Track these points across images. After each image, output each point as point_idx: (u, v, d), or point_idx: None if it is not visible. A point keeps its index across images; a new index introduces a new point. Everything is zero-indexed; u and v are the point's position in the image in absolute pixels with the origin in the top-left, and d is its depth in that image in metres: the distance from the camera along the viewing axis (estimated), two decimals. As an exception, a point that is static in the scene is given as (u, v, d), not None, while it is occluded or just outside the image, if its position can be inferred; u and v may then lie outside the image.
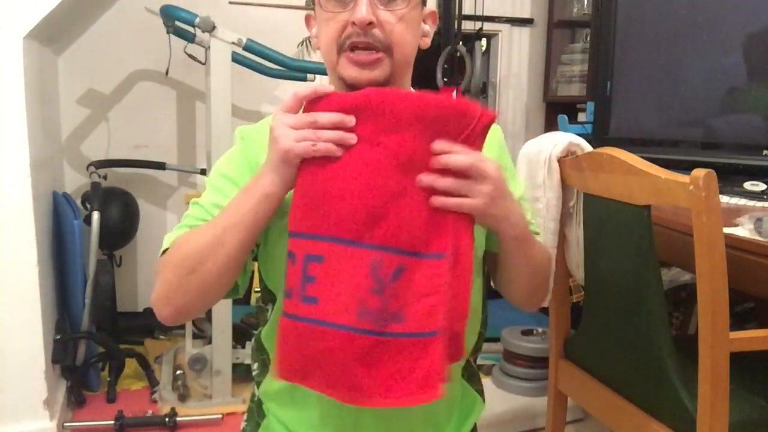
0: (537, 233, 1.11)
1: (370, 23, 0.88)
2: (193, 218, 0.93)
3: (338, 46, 0.90)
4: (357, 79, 0.90)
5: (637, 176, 1.16)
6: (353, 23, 0.88)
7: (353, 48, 0.89)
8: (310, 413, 0.98)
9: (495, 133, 1.07)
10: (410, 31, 0.93)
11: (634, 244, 1.22)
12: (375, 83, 0.90)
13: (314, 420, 0.98)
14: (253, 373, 1.12)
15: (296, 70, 2.60)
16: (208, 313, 2.31)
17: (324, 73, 2.75)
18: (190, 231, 0.90)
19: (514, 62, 3.57)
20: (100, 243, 2.32)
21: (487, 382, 2.39)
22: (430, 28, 1.00)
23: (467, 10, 3.30)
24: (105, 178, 2.61)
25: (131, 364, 2.48)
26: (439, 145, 0.79)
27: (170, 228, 0.96)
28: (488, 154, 1.03)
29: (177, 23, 2.31)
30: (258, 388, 1.09)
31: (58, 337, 2.16)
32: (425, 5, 0.97)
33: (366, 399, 0.77)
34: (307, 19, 1.00)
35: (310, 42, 3.01)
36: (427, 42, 0.99)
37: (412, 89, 1.03)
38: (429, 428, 1.01)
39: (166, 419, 2.13)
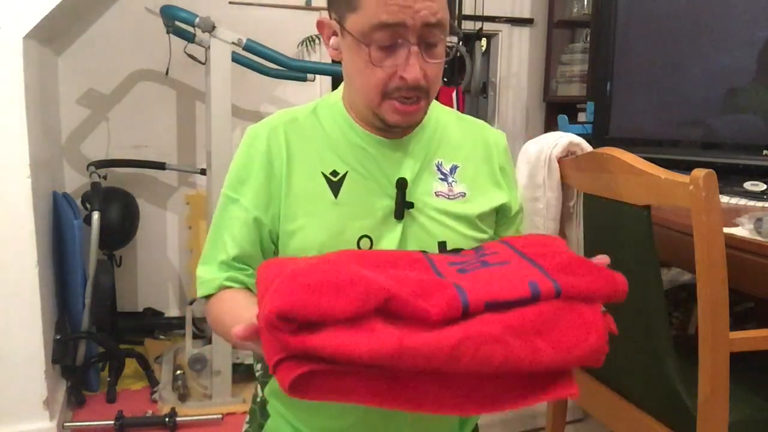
0: None
1: (420, 80, 0.88)
2: (211, 261, 0.98)
3: (383, 93, 0.90)
4: (400, 123, 0.93)
5: (637, 176, 1.16)
6: (402, 78, 0.88)
7: (401, 98, 0.90)
8: (320, 416, 0.98)
9: (500, 139, 1.08)
10: (441, 70, 0.94)
11: (634, 244, 1.22)
12: (414, 124, 0.96)
13: (325, 422, 0.98)
14: (257, 374, 1.12)
15: (296, 70, 2.60)
16: (208, 313, 2.32)
17: (323, 73, 2.76)
18: (220, 302, 0.96)
19: (514, 62, 3.58)
20: (100, 243, 2.32)
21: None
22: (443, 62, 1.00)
23: (467, 10, 3.30)
24: (105, 178, 2.61)
25: (131, 364, 2.48)
26: None
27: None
28: (497, 159, 1.05)
29: (177, 23, 2.31)
30: (262, 388, 1.08)
31: (58, 337, 2.16)
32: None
33: None
34: (320, 25, 0.97)
35: (312, 42, 3.03)
36: (441, 78, 1.00)
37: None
38: (439, 426, 1.02)
39: (166, 419, 2.13)
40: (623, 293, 0.76)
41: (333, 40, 0.96)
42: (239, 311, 0.88)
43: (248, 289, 0.98)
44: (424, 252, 0.86)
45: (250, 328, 0.67)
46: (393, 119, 0.92)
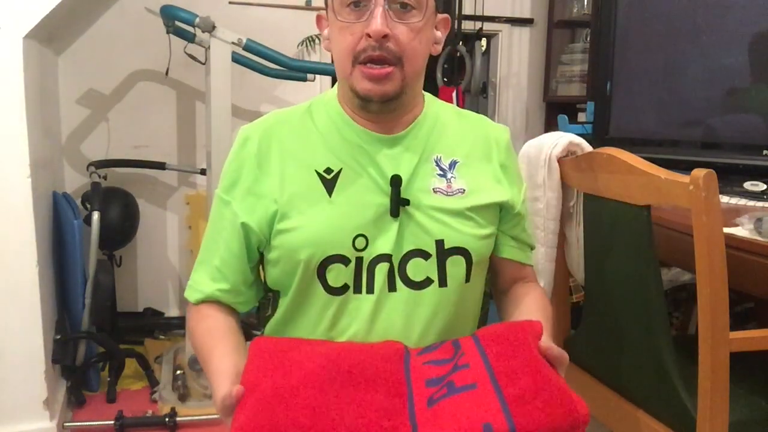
0: (533, 247, 1.13)
1: (385, 36, 0.88)
2: (206, 263, 1.02)
3: (353, 57, 0.90)
4: (369, 92, 0.92)
5: (637, 176, 1.16)
6: (368, 35, 0.88)
7: (367, 61, 0.89)
8: None
9: (502, 134, 1.07)
10: (423, 42, 0.93)
11: (634, 244, 1.22)
12: (386, 97, 0.92)
13: None
14: None
15: (296, 70, 2.60)
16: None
17: (323, 73, 2.76)
18: (200, 319, 1.00)
19: (514, 62, 3.58)
20: (100, 243, 2.32)
21: None
22: (441, 35, 0.99)
23: (467, 10, 3.30)
24: (105, 178, 2.61)
25: (131, 364, 2.48)
26: None
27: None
28: (497, 155, 1.04)
29: (177, 23, 2.32)
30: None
31: (58, 337, 2.16)
32: (439, 11, 0.97)
33: None
34: (319, 19, 1.00)
35: (313, 42, 3.03)
36: (438, 49, 0.99)
37: (423, 93, 1.04)
38: None
39: (166, 419, 2.13)
40: (584, 424, 0.78)
41: (326, 32, 0.98)
42: (211, 359, 0.92)
43: (230, 309, 1.02)
44: (405, 350, 0.89)
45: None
46: (362, 86, 0.91)
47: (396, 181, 0.95)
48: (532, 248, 1.13)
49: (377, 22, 0.87)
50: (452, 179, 0.99)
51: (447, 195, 0.98)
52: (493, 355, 0.84)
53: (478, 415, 0.75)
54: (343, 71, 0.94)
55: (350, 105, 0.98)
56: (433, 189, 0.97)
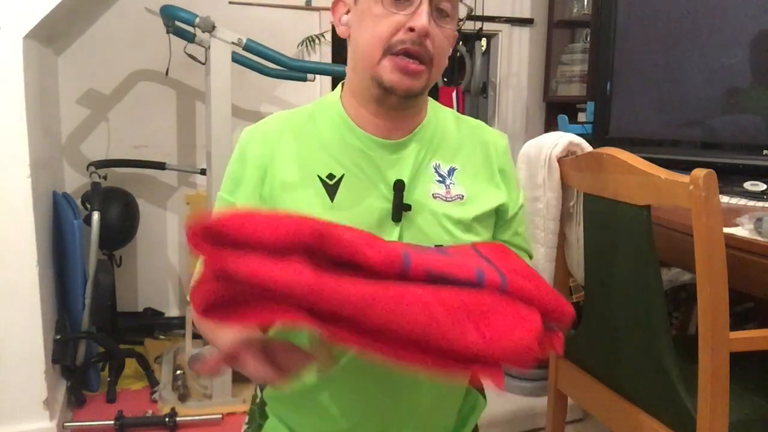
0: (531, 255, 1.13)
1: (426, 34, 0.89)
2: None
3: (386, 47, 0.90)
4: (396, 85, 0.91)
5: (637, 176, 1.16)
6: (410, 29, 0.88)
7: (402, 53, 0.90)
8: (318, 419, 0.98)
9: (500, 140, 1.08)
10: (446, 51, 0.96)
11: (634, 244, 1.22)
12: (411, 92, 0.93)
13: (323, 425, 0.98)
14: None
15: (296, 70, 2.60)
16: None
17: (323, 73, 2.75)
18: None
19: (514, 62, 3.57)
20: (100, 243, 2.32)
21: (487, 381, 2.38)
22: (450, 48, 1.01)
23: (467, 10, 3.29)
24: (105, 178, 2.61)
25: (131, 364, 2.48)
26: None
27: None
28: (496, 161, 1.05)
29: (177, 23, 2.31)
30: (261, 390, 1.08)
31: (58, 337, 2.16)
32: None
33: None
34: (336, 3, 0.99)
35: (313, 42, 3.03)
36: (446, 62, 1.00)
37: (428, 97, 1.04)
38: (439, 428, 1.02)
39: (166, 419, 2.13)
40: (568, 319, 0.78)
41: (345, 17, 0.97)
42: (218, 334, 0.89)
43: None
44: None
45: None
46: (390, 77, 0.91)
47: (399, 186, 0.95)
48: (530, 257, 1.13)
49: (424, 18, 0.88)
50: (451, 185, 0.99)
51: (446, 201, 0.98)
52: (486, 251, 0.86)
53: (472, 263, 0.76)
54: (370, 60, 0.92)
55: (362, 98, 0.97)
56: (433, 194, 0.98)
